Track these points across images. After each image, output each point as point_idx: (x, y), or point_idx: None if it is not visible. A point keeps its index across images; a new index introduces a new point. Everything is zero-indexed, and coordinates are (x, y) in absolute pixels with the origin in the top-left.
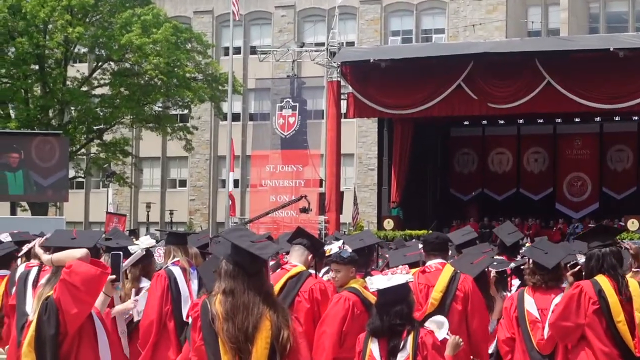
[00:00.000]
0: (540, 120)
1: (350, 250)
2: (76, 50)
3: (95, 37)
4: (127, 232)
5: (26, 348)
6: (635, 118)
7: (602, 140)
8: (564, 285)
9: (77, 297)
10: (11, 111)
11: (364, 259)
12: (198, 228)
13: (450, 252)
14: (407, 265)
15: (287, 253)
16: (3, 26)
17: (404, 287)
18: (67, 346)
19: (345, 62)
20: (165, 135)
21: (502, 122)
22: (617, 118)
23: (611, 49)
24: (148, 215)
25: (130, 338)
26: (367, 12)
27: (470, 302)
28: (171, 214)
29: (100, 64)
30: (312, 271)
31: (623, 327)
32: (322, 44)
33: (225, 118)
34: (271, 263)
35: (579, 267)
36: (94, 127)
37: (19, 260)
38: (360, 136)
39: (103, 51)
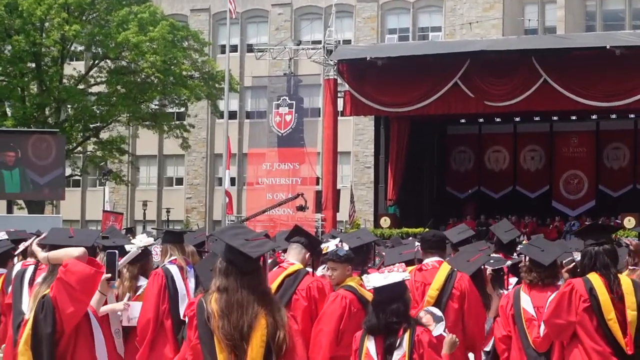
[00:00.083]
0: (537, 118)
1: (346, 248)
2: (73, 48)
3: (91, 35)
4: (124, 230)
5: (22, 347)
6: (632, 116)
7: (598, 138)
8: (560, 282)
9: (73, 296)
10: (8, 109)
11: (361, 257)
12: (195, 226)
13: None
14: (403, 263)
15: (284, 251)
16: (0, 24)
17: (401, 285)
18: (64, 345)
19: (342, 60)
20: (161, 133)
21: (498, 120)
22: (613, 116)
23: (608, 47)
24: (145, 214)
25: (128, 336)
26: (363, 10)
27: (466, 301)
28: (168, 212)
29: (96, 62)
30: (310, 269)
31: (614, 325)
32: (319, 42)
33: (222, 116)
34: (269, 261)
35: (573, 264)
36: (91, 125)
37: (15, 259)
38: (357, 134)
39: (100, 49)
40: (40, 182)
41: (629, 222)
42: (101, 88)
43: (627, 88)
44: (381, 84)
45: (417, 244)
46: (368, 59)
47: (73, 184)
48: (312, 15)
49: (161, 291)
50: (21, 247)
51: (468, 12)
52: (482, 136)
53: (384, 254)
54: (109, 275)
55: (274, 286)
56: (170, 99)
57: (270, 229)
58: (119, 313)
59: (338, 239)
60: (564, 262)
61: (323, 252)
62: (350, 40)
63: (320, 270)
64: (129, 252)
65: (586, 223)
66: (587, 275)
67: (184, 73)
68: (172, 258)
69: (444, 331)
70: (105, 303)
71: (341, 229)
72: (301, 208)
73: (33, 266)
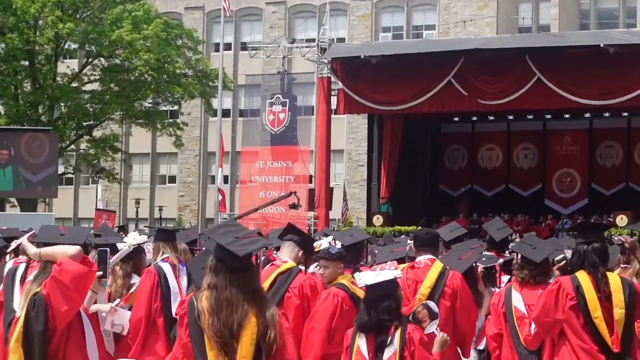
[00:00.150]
0: (530, 117)
1: (339, 246)
2: (66, 46)
3: (85, 33)
4: (116, 228)
5: (14, 344)
6: (625, 114)
7: (591, 137)
8: (551, 280)
9: (66, 295)
10: (1, 107)
11: (353, 255)
12: (187, 224)
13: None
14: (395, 261)
15: (277, 249)
16: None
17: (392, 282)
18: (56, 343)
19: (335, 58)
20: (155, 131)
21: (492, 118)
22: (606, 114)
23: (601, 45)
24: (137, 211)
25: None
26: (357, 9)
27: (458, 299)
28: (160, 210)
29: (90, 60)
30: (302, 267)
31: (600, 323)
32: (313, 40)
33: (215, 114)
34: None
35: (564, 262)
36: (84, 123)
37: (7, 257)
38: (350, 132)
39: (93, 47)
40: (33, 180)
41: (622, 220)
42: (95, 86)
43: (620, 86)
44: (375, 82)
45: (409, 242)
46: (362, 57)
47: (66, 182)
48: (306, 13)
49: (153, 289)
50: (13, 244)
51: (462, 10)
52: (475, 134)
53: (376, 252)
54: (100, 272)
55: (266, 284)
56: (163, 97)
57: (262, 227)
58: (103, 314)
59: (331, 237)
60: (555, 260)
61: (315, 250)
62: (344, 39)
63: (312, 269)
64: (121, 249)
65: (579, 221)
66: (576, 274)
67: (178, 71)
68: (165, 256)
69: (436, 329)
70: (96, 301)
71: (334, 227)
72: (294, 206)
73: (25, 264)
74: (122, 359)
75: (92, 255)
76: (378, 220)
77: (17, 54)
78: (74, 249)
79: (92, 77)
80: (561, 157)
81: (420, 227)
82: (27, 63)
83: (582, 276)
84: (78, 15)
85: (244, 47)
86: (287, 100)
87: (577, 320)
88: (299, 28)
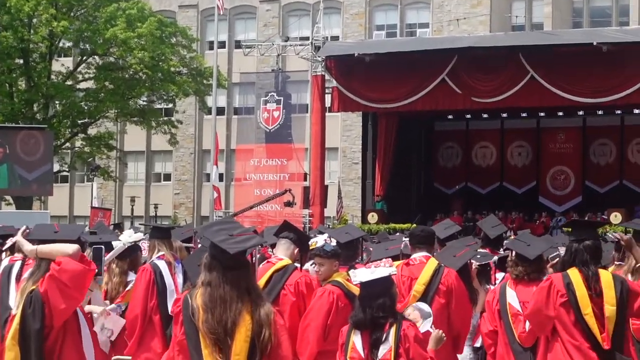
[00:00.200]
0: (524, 114)
1: (334, 243)
2: (61, 44)
3: (79, 31)
4: (112, 226)
5: (10, 342)
6: (618, 112)
7: (585, 134)
8: (545, 278)
9: (65, 293)
10: None
11: (351, 252)
12: (182, 222)
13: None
14: (390, 259)
15: (272, 246)
16: None
17: (387, 280)
18: (52, 340)
19: (329, 56)
20: (149, 129)
21: (485, 116)
22: (600, 112)
23: (595, 44)
24: (132, 209)
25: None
26: (351, 7)
27: (453, 296)
28: (156, 207)
29: (84, 58)
30: (298, 265)
31: (590, 320)
32: (307, 38)
33: (209, 112)
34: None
35: (557, 259)
36: (79, 121)
37: (3, 254)
38: (345, 130)
39: (88, 45)
40: (28, 177)
41: (615, 217)
42: (89, 84)
43: (613, 84)
44: (369, 80)
45: (404, 239)
46: (356, 55)
47: (61, 180)
48: (300, 11)
49: (149, 287)
50: (9, 242)
51: (455, 8)
52: (469, 132)
53: (371, 249)
54: (96, 270)
55: (262, 281)
56: (158, 95)
57: (257, 224)
58: (95, 315)
59: (326, 235)
60: (549, 257)
61: (311, 247)
62: (338, 37)
63: (306, 267)
64: (116, 247)
65: (573, 219)
66: (567, 271)
67: (172, 69)
68: (160, 254)
69: (431, 327)
70: (90, 301)
71: (329, 225)
72: (289, 204)
73: (20, 262)
74: (118, 356)
75: (87, 253)
76: (373, 217)
77: (11, 52)
78: (72, 248)
79: (86, 75)
80: (555, 154)
81: (415, 225)
82: (21, 61)
83: (574, 273)
84: (72, 14)
85: (238, 45)
86: (282, 98)
87: (567, 317)
88: (293, 26)
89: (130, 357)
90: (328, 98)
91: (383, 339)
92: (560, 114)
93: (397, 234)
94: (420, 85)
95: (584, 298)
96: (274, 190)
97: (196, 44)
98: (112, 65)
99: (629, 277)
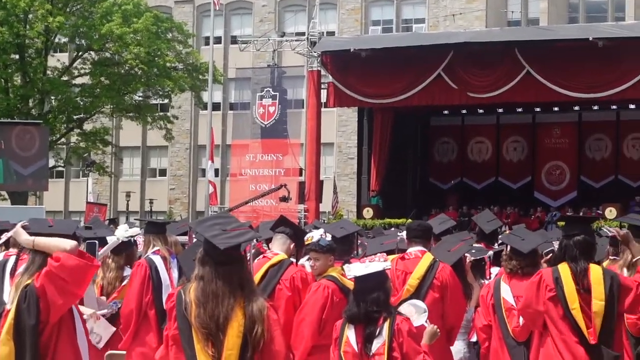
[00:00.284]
0: (520, 110)
1: (329, 238)
2: (56, 39)
3: (75, 27)
4: (107, 221)
5: (4, 336)
6: (614, 107)
7: (580, 130)
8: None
9: (64, 289)
10: None
11: (346, 247)
12: (178, 217)
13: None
14: (384, 253)
15: (267, 241)
16: None
17: (381, 274)
18: (47, 335)
19: (325, 51)
20: (145, 125)
21: (481, 111)
22: (595, 107)
23: (590, 39)
24: (128, 205)
25: (113, 324)
26: (347, 2)
27: (447, 291)
28: (151, 203)
29: (80, 53)
30: (293, 260)
31: (577, 315)
32: (303, 34)
33: (205, 107)
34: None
35: (551, 254)
36: (74, 117)
37: None
38: (340, 125)
39: (83, 41)
40: (24, 173)
41: (610, 212)
42: (85, 79)
43: (609, 79)
44: (365, 76)
45: (399, 234)
46: (352, 50)
47: (56, 175)
48: (295, 7)
49: (145, 282)
50: (3, 237)
51: (451, 4)
52: (465, 127)
53: (366, 244)
54: None
55: (257, 276)
56: (153, 90)
57: (253, 219)
58: (84, 316)
59: (322, 230)
60: (544, 252)
61: (306, 242)
62: (334, 32)
63: (302, 262)
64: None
65: (568, 214)
66: (558, 266)
67: (168, 64)
68: (155, 249)
69: (426, 322)
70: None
71: (324, 220)
72: (284, 199)
73: (15, 256)
74: (112, 351)
75: (82, 248)
76: (368, 213)
77: (7, 47)
78: (70, 244)
79: (82, 71)
80: (550, 149)
81: (410, 220)
82: (17, 57)
83: (563, 268)
84: (68, 9)
85: (234, 40)
86: (277, 93)
87: (556, 312)
88: (289, 21)
89: (124, 352)
90: (324, 93)
91: (377, 333)
92: (556, 109)
93: (392, 229)
94: (416, 80)
95: (572, 293)
96: (269, 185)
97: (192, 40)
98: (108, 61)
99: (625, 271)
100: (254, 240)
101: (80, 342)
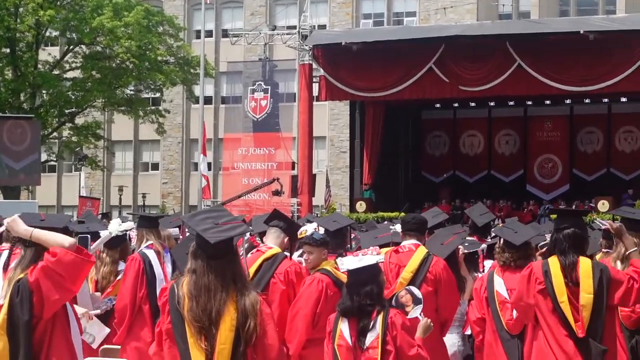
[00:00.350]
0: (511, 103)
1: (322, 232)
2: (47, 33)
3: (66, 21)
4: (100, 215)
5: None
6: (605, 100)
7: (572, 123)
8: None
9: (60, 284)
10: None
11: (339, 240)
12: (171, 211)
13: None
14: (377, 247)
15: (260, 235)
16: None
17: (374, 267)
18: (41, 331)
19: (317, 45)
20: (137, 119)
21: (473, 104)
22: (587, 100)
23: (581, 32)
24: (120, 199)
25: (108, 318)
26: None
27: (441, 285)
28: (144, 197)
29: (71, 47)
30: (287, 253)
31: (565, 308)
32: (294, 27)
33: (197, 101)
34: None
35: (546, 248)
36: (66, 111)
37: None
38: (332, 119)
39: (74, 34)
40: (16, 167)
41: (603, 205)
42: (76, 73)
43: (600, 72)
44: (356, 69)
45: (391, 227)
46: (343, 44)
47: (49, 170)
48: (287, 0)
49: (139, 276)
50: None
51: None
52: (456, 121)
53: (359, 237)
54: None
55: (252, 270)
56: (145, 84)
57: (246, 213)
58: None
59: (315, 224)
60: (539, 245)
61: (299, 236)
62: (325, 25)
63: (295, 256)
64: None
65: (560, 207)
66: (548, 259)
67: (159, 58)
68: (149, 243)
69: (420, 314)
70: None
71: (317, 214)
72: (277, 193)
73: (7, 251)
74: (107, 346)
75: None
76: (361, 206)
77: None
78: (69, 240)
79: (73, 65)
80: (542, 143)
81: (403, 214)
82: (8, 50)
83: (553, 261)
84: (58, 3)
85: (225, 34)
86: (269, 87)
87: (545, 305)
88: (280, 15)
89: (119, 347)
90: (315, 87)
91: (370, 326)
92: (548, 102)
93: (385, 222)
94: (408, 74)
95: (560, 286)
96: (261, 179)
97: (183, 33)
98: (99, 55)
99: (619, 264)
100: (247, 234)
101: (74, 338)
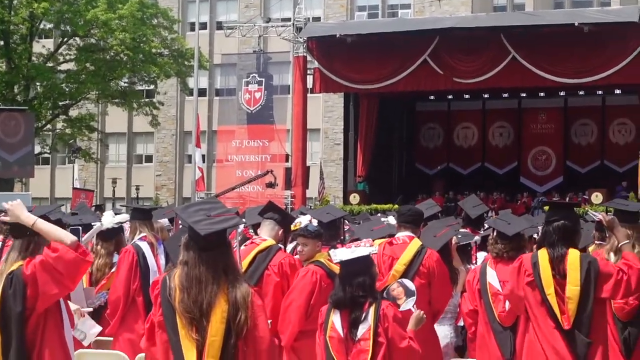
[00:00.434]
0: (505, 95)
1: (316, 223)
2: (41, 25)
3: (60, 13)
4: (93, 207)
5: None
6: (600, 92)
7: (566, 115)
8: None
9: (58, 280)
10: None
11: (333, 232)
12: (164, 203)
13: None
14: (370, 239)
15: (254, 227)
16: None
17: (367, 259)
18: (34, 324)
19: (311, 37)
20: (131, 111)
21: (467, 96)
22: (581, 92)
23: (576, 24)
24: (114, 191)
25: (101, 310)
26: None
27: (434, 278)
28: (137, 189)
29: (65, 39)
30: (281, 245)
31: (552, 300)
32: (289, 19)
33: (191, 93)
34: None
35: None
36: (60, 103)
37: None
38: (326, 111)
39: (68, 27)
40: (9, 159)
41: (597, 197)
42: (70, 66)
43: (594, 65)
44: (351, 61)
45: (382, 219)
46: (337, 36)
47: (42, 162)
48: None
49: (132, 268)
50: None
51: None
52: (451, 113)
53: (353, 230)
54: None
55: (246, 262)
56: (139, 76)
57: (239, 205)
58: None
59: (309, 216)
60: (535, 236)
61: (293, 228)
62: (319, 18)
63: (290, 249)
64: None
65: (554, 199)
66: (538, 251)
67: (154, 50)
68: (142, 235)
69: (413, 307)
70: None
71: (310, 206)
72: (271, 185)
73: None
74: (100, 337)
75: None
76: (355, 198)
77: None
78: (71, 239)
79: (67, 57)
80: (536, 135)
81: (396, 206)
82: (1, 43)
83: (542, 253)
84: None
85: (220, 26)
86: (263, 79)
87: (533, 297)
88: (275, 7)
89: (111, 338)
90: (310, 79)
91: (362, 318)
92: (542, 94)
93: (378, 214)
94: (402, 66)
95: (548, 278)
96: (255, 171)
97: (177, 25)
98: (93, 47)
99: (612, 256)
100: (240, 226)
101: (67, 333)
